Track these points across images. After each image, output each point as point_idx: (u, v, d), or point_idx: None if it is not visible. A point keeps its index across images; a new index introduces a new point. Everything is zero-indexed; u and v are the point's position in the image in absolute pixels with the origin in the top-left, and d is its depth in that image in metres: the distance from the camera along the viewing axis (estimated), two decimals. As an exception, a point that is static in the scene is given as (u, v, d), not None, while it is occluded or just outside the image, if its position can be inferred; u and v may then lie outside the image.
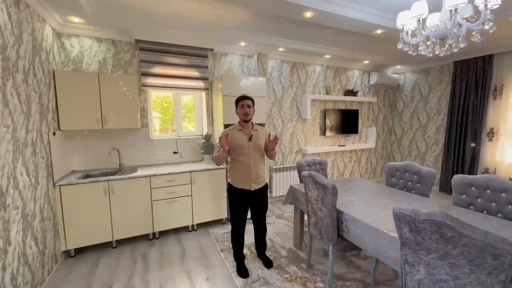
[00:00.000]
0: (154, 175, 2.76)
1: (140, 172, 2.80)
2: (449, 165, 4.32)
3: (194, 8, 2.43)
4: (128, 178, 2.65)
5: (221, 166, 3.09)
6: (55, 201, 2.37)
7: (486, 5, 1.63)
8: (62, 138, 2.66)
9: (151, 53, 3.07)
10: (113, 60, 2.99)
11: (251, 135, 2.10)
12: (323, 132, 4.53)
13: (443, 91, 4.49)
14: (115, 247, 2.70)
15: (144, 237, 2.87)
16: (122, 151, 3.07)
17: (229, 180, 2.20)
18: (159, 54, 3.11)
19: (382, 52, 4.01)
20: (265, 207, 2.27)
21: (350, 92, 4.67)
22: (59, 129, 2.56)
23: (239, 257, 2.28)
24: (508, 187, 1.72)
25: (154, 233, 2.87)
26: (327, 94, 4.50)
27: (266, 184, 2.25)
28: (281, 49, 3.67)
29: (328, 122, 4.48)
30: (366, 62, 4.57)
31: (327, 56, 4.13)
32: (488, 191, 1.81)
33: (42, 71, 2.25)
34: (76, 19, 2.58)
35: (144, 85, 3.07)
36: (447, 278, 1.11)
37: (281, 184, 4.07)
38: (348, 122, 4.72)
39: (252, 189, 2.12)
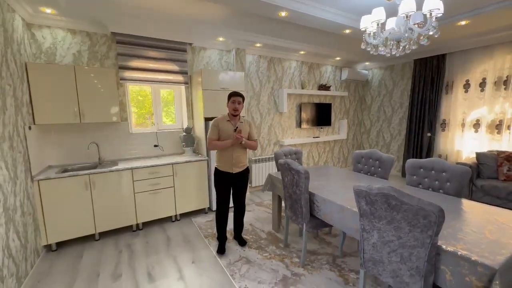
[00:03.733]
0: (137, 168, 2.81)
1: (121, 166, 2.83)
2: (409, 153, 4.82)
3: (170, 2, 2.48)
4: (109, 172, 2.68)
5: (202, 158, 3.22)
6: (34, 196, 2.35)
7: (431, 14, 1.92)
8: (38, 132, 2.61)
9: (128, 46, 3.06)
10: (88, 52, 2.94)
11: (237, 127, 2.36)
12: (299, 125, 4.80)
13: (405, 86, 4.96)
14: (98, 240, 2.73)
15: (127, 229, 2.93)
16: (101, 145, 3.06)
17: (215, 164, 2.45)
18: (137, 48, 3.11)
19: (351, 50, 4.32)
20: (245, 186, 2.52)
21: (324, 87, 4.97)
22: (34, 123, 2.51)
23: (221, 238, 2.49)
24: (447, 167, 2.07)
25: (137, 224, 2.94)
26: (302, 88, 4.76)
27: (247, 167, 2.51)
28: (258, 45, 3.82)
29: (303, 115, 4.75)
30: (338, 58, 4.88)
31: (302, 52, 4.35)
32: (433, 171, 2.16)
33: (14, 63, 2.19)
34: (48, 10, 2.51)
35: (122, 79, 3.06)
36: (393, 238, 1.38)
37: (260, 174, 4.28)
38: (322, 115, 5.04)
39: (233, 172, 2.38)
